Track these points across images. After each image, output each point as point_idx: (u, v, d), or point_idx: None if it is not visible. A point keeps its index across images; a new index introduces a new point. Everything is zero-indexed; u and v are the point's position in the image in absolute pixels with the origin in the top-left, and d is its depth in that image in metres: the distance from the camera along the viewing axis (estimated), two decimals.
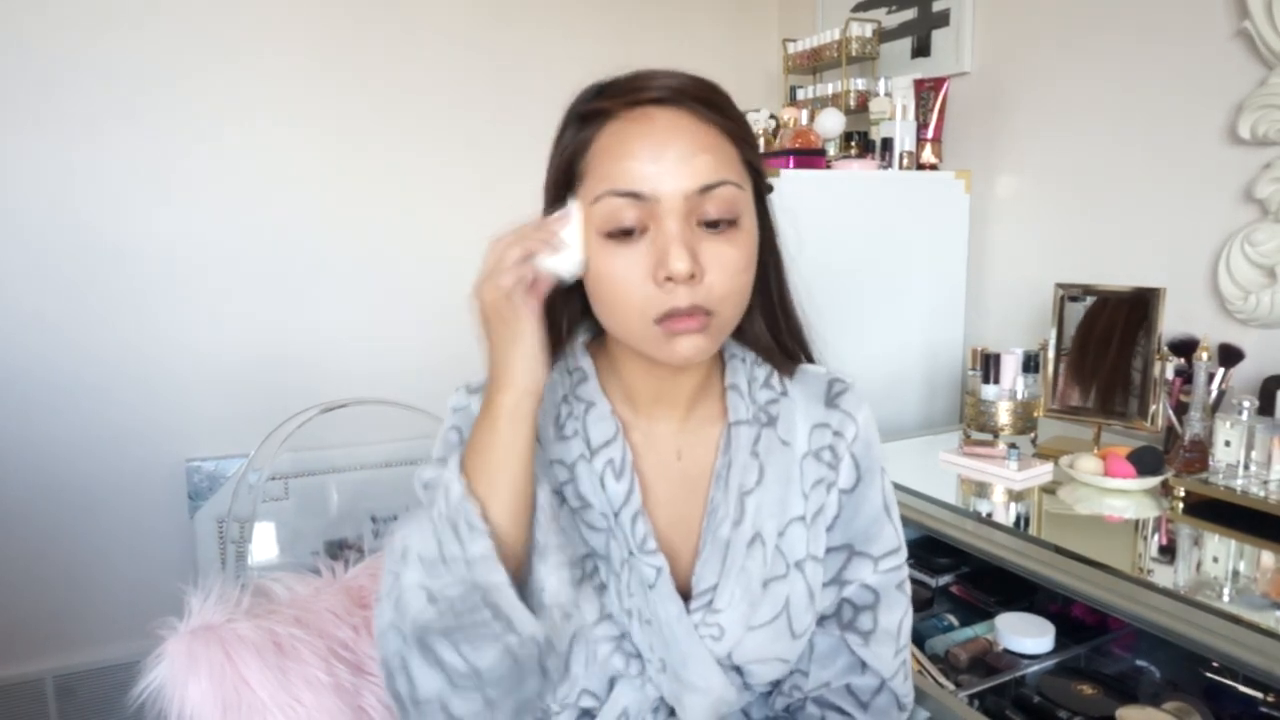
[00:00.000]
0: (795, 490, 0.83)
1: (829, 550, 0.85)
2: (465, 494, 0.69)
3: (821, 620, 0.85)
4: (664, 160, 0.70)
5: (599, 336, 0.84)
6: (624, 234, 0.71)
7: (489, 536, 0.68)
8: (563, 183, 0.76)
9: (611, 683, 0.80)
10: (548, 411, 0.81)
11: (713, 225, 0.72)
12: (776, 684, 0.86)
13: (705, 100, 0.73)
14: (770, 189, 0.81)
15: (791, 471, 0.83)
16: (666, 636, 0.77)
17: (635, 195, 0.70)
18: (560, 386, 0.83)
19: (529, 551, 0.72)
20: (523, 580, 0.71)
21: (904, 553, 0.87)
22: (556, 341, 0.80)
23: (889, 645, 0.84)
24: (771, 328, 0.84)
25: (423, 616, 0.69)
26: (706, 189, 0.71)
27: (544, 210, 0.78)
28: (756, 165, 0.78)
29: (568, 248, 0.71)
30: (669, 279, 0.69)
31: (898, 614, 0.85)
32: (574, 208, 0.73)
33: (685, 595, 0.79)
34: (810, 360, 0.88)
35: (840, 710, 0.83)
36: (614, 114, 0.73)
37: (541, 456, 0.80)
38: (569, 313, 0.81)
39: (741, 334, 0.84)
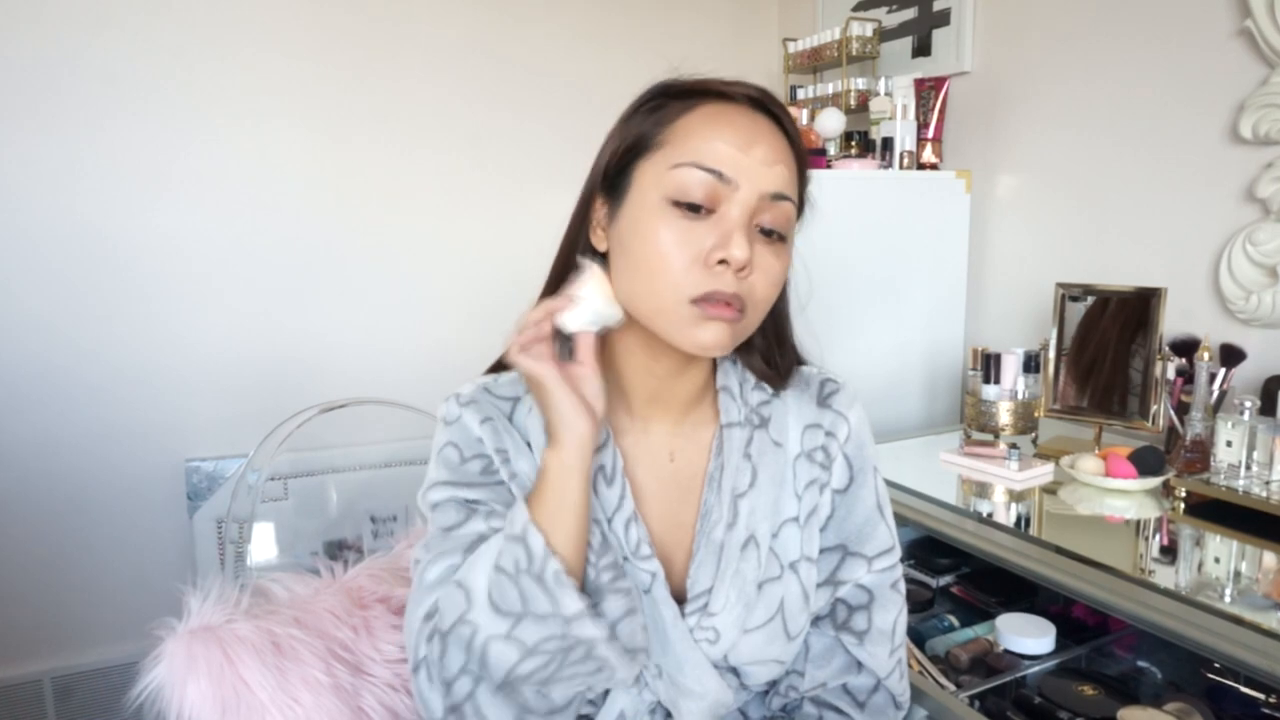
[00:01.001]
0: (788, 491, 0.83)
1: (822, 551, 0.85)
2: (549, 551, 0.69)
3: (816, 620, 0.85)
4: (752, 154, 0.72)
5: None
6: (690, 208, 0.72)
7: (579, 592, 0.69)
8: (630, 151, 0.76)
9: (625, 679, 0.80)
10: (538, 422, 0.81)
11: (766, 234, 0.74)
12: (773, 684, 0.86)
13: (787, 120, 0.77)
14: (804, 209, 0.82)
15: (784, 473, 0.83)
16: (662, 642, 0.77)
17: (719, 175, 0.71)
18: None
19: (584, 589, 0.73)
20: None
21: (898, 552, 0.87)
22: None
23: (884, 645, 0.84)
24: (766, 350, 0.85)
25: (520, 670, 0.69)
26: (777, 198, 0.73)
27: (595, 179, 0.80)
28: (804, 199, 0.80)
29: (584, 301, 0.73)
30: (723, 261, 0.70)
31: (892, 614, 0.85)
32: (590, 267, 0.75)
33: (679, 599, 0.79)
34: (799, 360, 0.89)
35: (837, 710, 0.83)
36: (705, 98, 0.75)
37: (533, 464, 0.80)
38: None
39: (740, 350, 0.85)
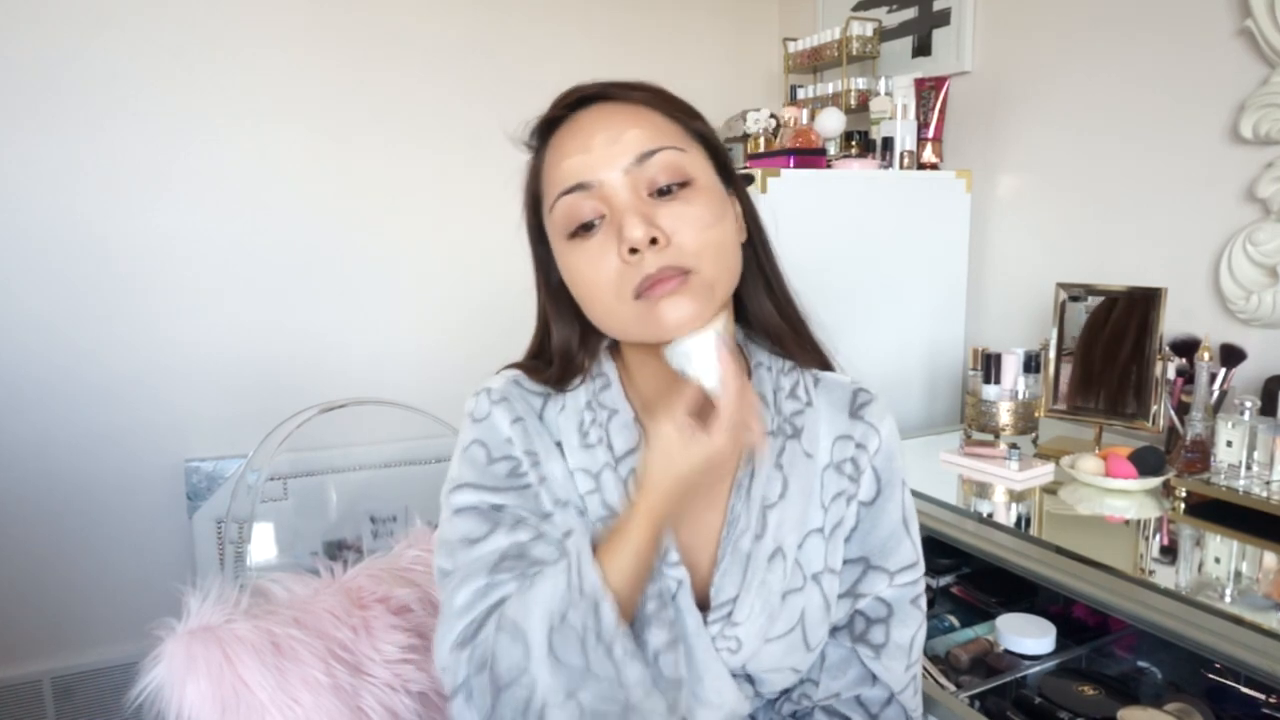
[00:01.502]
0: (815, 502, 0.82)
1: (845, 562, 0.83)
2: (619, 623, 0.69)
3: (834, 631, 0.84)
4: (594, 146, 0.72)
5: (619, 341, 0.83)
6: (584, 229, 0.72)
7: (642, 660, 0.69)
8: (533, 209, 0.79)
9: None
10: (570, 418, 0.80)
11: (665, 192, 0.72)
12: (786, 691, 0.85)
13: (633, 86, 0.76)
14: (750, 180, 0.81)
15: (813, 484, 0.82)
16: (685, 650, 0.76)
17: (579, 186, 0.71)
18: (584, 392, 0.82)
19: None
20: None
21: (921, 567, 0.86)
22: (573, 348, 0.81)
23: (900, 660, 0.83)
24: (777, 306, 0.83)
25: None
26: (643, 157, 0.71)
27: (531, 245, 0.81)
28: (709, 137, 0.78)
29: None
30: (632, 250, 0.69)
31: (910, 629, 0.84)
32: (714, 335, 0.71)
33: (702, 604, 0.78)
34: (824, 357, 0.87)
35: None
36: (552, 128, 0.76)
37: (563, 466, 0.79)
38: (582, 322, 0.81)
39: (750, 318, 0.84)
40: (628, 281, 0.70)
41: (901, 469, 0.86)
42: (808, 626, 0.80)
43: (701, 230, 0.71)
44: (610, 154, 0.71)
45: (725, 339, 0.71)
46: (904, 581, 0.84)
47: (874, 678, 0.83)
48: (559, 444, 0.80)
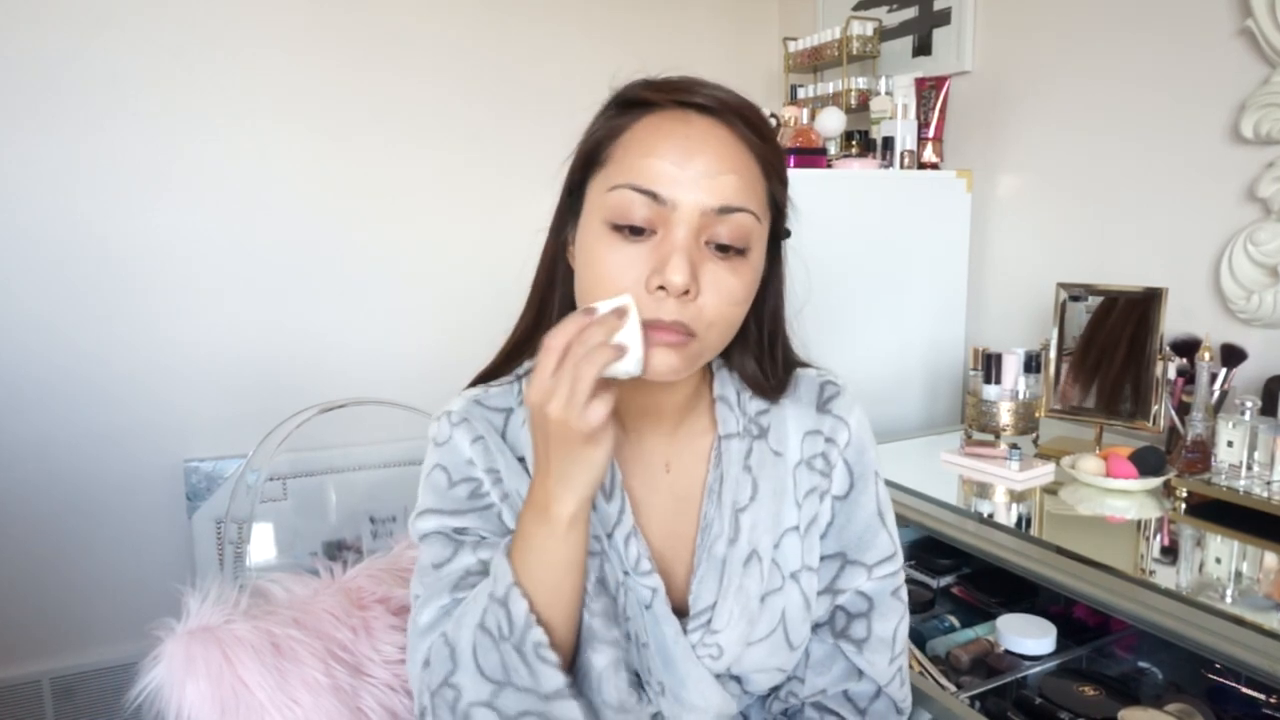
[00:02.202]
0: (789, 500, 0.81)
1: (822, 558, 0.83)
2: (531, 619, 0.66)
3: (816, 627, 0.84)
4: (690, 168, 0.68)
5: None
6: (631, 231, 0.69)
7: (561, 668, 0.67)
8: (585, 166, 0.74)
9: None
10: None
11: (721, 249, 0.69)
12: (775, 689, 0.85)
13: (747, 119, 0.72)
14: (788, 234, 0.79)
15: (785, 482, 0.82)
16: (664, 658, 0.76)
17: (653, 195, 0.68)
18: None
19: (577, 637, 0.71)
20: (570, 663, 0.70)
21: (900, 559, 0.85)
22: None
23: (884, 653, 0.82)
24: (759, 365, 0.81)
25: None
26: (725, 211, 0.68)
27: (563, 193, 0.76)
28: (780, 203, 0.76)
29: (630, 351, 0.66)
30: (661, 288, 0.67)
31: (892, 621, 0.83)
32: (630, 306, 0.67)
33: (680, 611, 0.77)
34: (798, 364, 0.86)
35: (839, 716, 0.82)
36: (652, 108, 0.71)
37: (527, 482, 0.77)
38: (548, 313, 0.79)
39: (729, 363, 0.83)
40: (639, 309, 0.68)
41: (873, 460, 0.85)
42: (789, 626, 0.79)
43: (728, 304, 0.70)
44: (700, 187, 0.68)
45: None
46: (883, 574, 0.83)
47: (860, 672, 0.83)
48: (522, 459, 0.78)
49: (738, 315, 0.72)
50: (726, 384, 0.82)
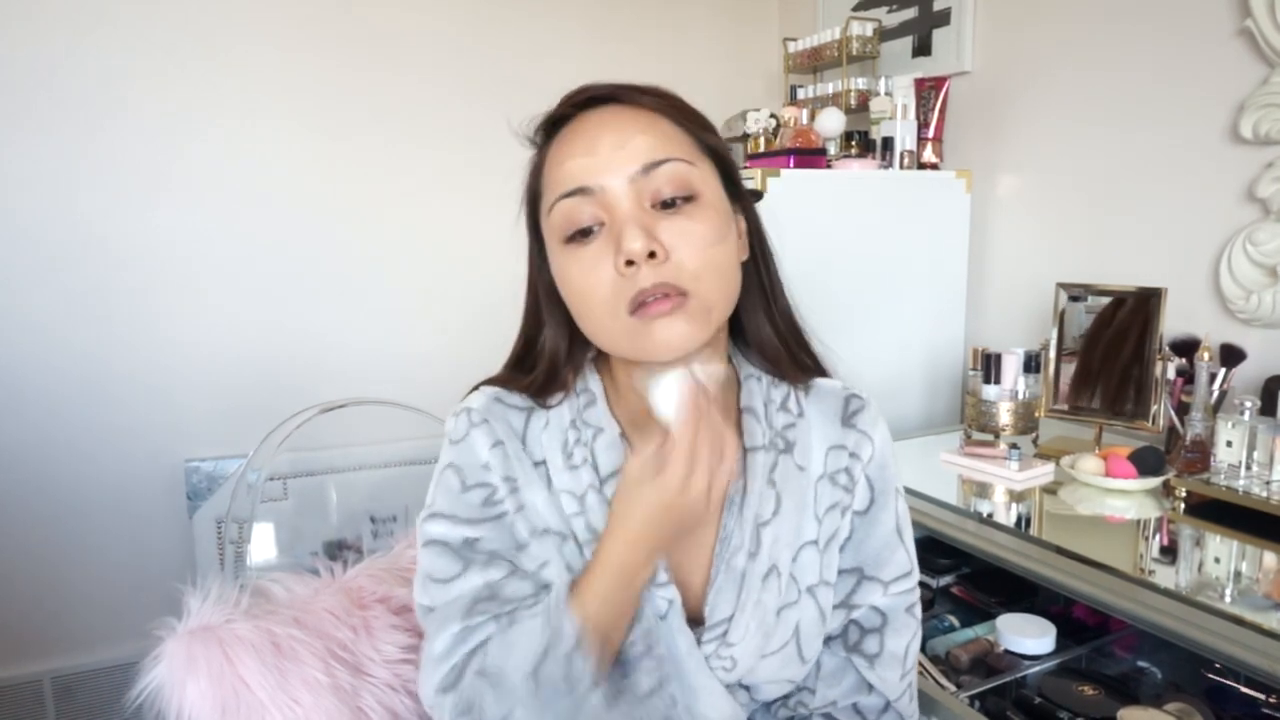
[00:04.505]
0: (809, 514, 0.80)
1: (840, 573, 0.82)
2: (594, 670, 0.67)
3: (828, 640, 0.83)
4: (600, 150, 0.70)
5: (606, 355, 0.81)
6: (582, 234, 0.70)
7: (613, 705, 0.69)
8: (531, 205, 0.77)
9: None
10: (554, 437, 0.78)
11: (669, 205, 0.70)
12: (783, 698, 0.84)
13: (642, 90, 0.74)
14: (759, 195, 0.80)
15: (806, 496, 0.81)
16: (676, 669, 0.75)
17: (580, 190, 0.69)
18: (568, 409, 0.79)
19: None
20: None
21: (916, 576, 0.84)
22: (561, 357, 0.79)
23: (895, 669, 0.81)
24: (775, 328, 0.81)
25: None
26: (650, 166, 0.69)
27: (529, 240, 0.79)
28: (721, 151, 0.77)
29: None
30: (629, 262, 0.67)
31: (905, 637, 0.82)
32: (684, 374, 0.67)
33: (694, 621, 0.76)
34: (820, 368, 0.85)
35: None
36: (555, 129, 0.74)
37: (545, 491, 0.77)
38: (572, 329, 0.79)
39: (746, 337, 0.82)
40: (622, 295, 0.68)
41: (895, 476, 0.84)
42: (802, 640, 0.79)
43: (703, 249, 0.70)
44: (615, 160, 0.69)
45: (703, 377, 0.67)
46: (899, 591, 0.82)
47: (870, 686, 0.82)
48: (543, 463, 0.78)
49: (720, 258, 0.72)
50: (754, 395, 0.81)
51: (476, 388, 0.82)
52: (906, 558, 0.83)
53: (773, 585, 0.77)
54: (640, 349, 0.70)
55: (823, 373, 0.86)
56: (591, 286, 0.69)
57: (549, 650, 0.68)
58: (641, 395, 0.75)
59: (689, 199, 0.70)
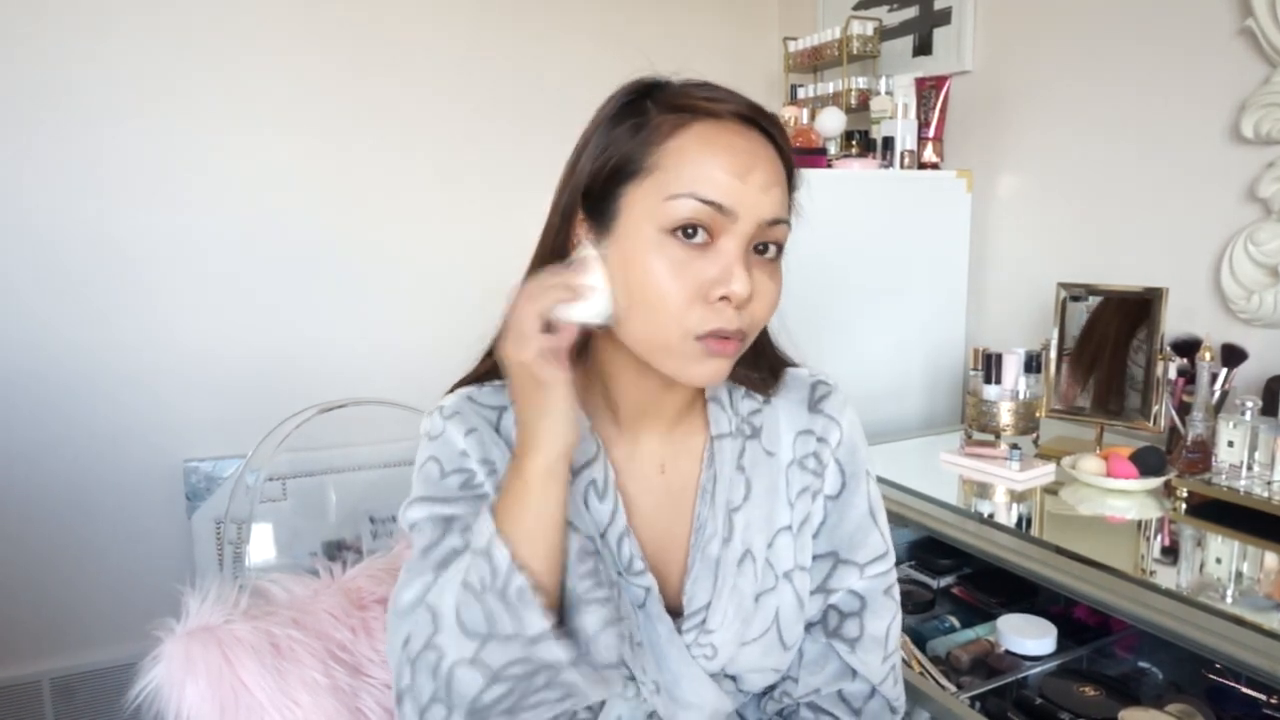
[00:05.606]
0: (781, 500, 0.82)
1: (815, 558, 0.83)
2: (514, 566, 0.66)
3: (808, 627, 0.84)
4: (750, 181, 0.69)
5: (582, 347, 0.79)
6: (688, 233, 0.69)
7: (545, 611, 0.66)
8: (616, 174, 0.71)
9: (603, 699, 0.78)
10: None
11: (760, 252, 0.72)
12: (769, 688, 0.85)
13: (779, 130, 0.75)
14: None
15: (777, 481, 0.82)
16: (658, 657, 0.76)
17: (718, 207, 0.68)
18: None
19: (561, 601, 0.70)
20: (557, 621, 0.69)
21: (891, 557, 0.85)
22: None
23: (876, 652, 0.83)
24: (750, 357, 0.80)
25: (485, 697, 0.66)
26: (775, 222, 0.71)
27: (558, 191, 0.76)
28: (793, 208, 0.78)
29: (595, 292, 0.69)
30: (724, 298, 0.68)
31: (885, 620, 0.83)
32: (592, 253, 0.70)
33: (674, 611, 0.77)
34: (786, 362, 0.86)
35: (834, 716, 0.83)
36: (697, 116, 0.71)
37: None
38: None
39: None
40: (702, 320, 0.68)
41: (865, 460, 0.86)
42: (782, 626, 0.80)
43: (772, 304, 0.74)
44: (760, 202, 0.70)
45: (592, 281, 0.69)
46: (875, 573, 0.83)
47: (853, 672, 0.83)
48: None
49: (770, 317, 0.76)
50: (719, 385, 0.82)
51: (452, 390, 0.84)
52: (881, 540, 0.85)
53: (748, 570, 0.79)
54: (682, 370, 0.71)
55: (788, 364, 0.87)
56: (677, 297, 0.69)
57: (472, 555, 0.68)
58: (639, 387, 0.78)
59: (774, 258, 0.74)
